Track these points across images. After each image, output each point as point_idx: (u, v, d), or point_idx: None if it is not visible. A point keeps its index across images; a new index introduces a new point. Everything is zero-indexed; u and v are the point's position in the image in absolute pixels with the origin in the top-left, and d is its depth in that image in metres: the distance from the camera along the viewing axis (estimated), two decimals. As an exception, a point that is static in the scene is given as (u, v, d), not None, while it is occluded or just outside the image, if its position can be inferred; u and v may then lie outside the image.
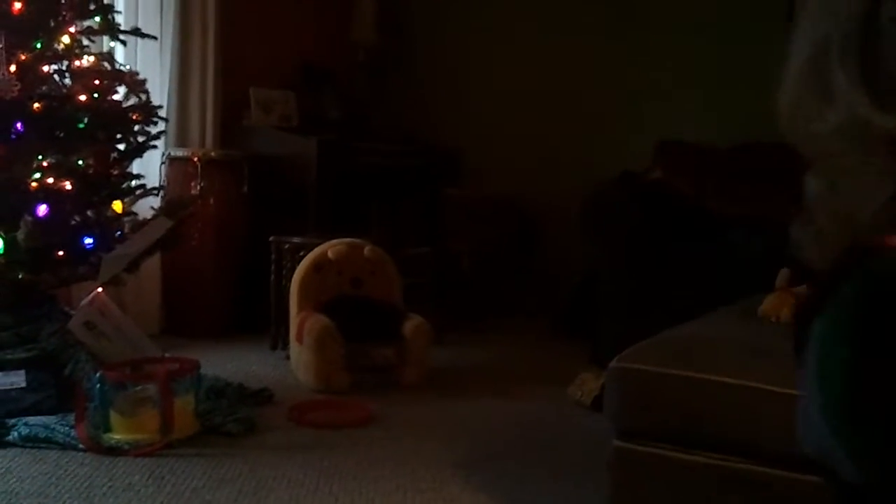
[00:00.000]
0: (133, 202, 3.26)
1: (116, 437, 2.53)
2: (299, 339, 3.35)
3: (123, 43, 3.35)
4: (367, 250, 3.53)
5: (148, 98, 3.24)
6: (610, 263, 3.64)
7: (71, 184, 2.89)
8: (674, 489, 1.85)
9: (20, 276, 2.84)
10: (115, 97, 3.13)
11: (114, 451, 2.49)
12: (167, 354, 3.04)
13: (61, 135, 2.94)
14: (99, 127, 3.01)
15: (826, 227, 0.59)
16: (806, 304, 0.56)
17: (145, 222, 3.17)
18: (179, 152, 4.12)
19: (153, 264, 3.85)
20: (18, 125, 2.83)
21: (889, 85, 0.55)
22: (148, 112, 3.20)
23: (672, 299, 3.16)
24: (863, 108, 0.55)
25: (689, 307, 2.37)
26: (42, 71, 2.94)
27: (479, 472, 2.43)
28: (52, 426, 2.59)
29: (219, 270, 4.09)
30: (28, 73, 2.86)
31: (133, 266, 3.15)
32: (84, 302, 2.97)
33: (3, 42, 2.77)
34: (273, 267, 3.86)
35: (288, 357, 3.56)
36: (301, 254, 3.65)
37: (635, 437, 1.88)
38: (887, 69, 0.55)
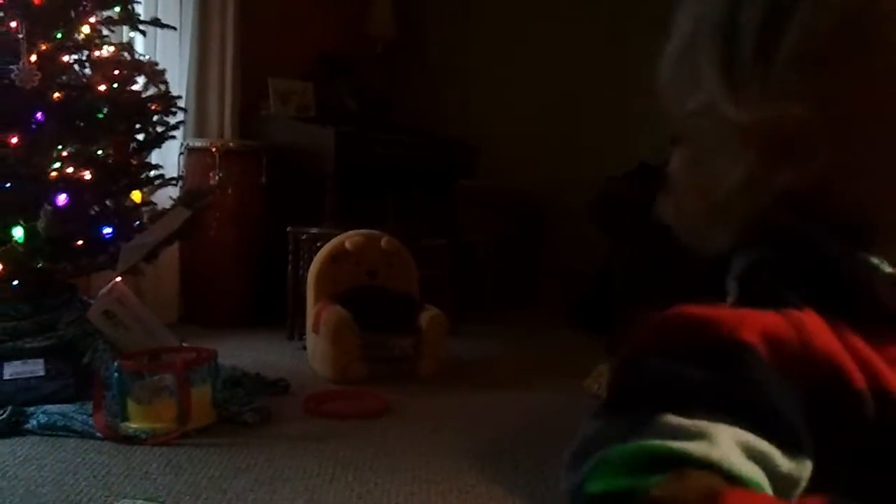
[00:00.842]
0: (152, 192, 3.28)
1: (134, 425, 2.55)
2: (316, 329, 3.36)
3: (143, 33, 3.36)
4: (384, 241, 3.54)
5: (167, 88, 3.26)
6: (626, 256, 3.63)
7: (90, 173, 2.91)
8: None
9: (40, 265, 2.87)
10: (135, 87, 3.14)
11: (131, 439, 2.50)
12: (185, 344, 3.06)
13: (81, 125, 2.95)
14: (118, 117, 3.03)
15: (684, 200, 0.61)
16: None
17: (164, 212, 3.19)
18: (198, 143, 4.14)
19: (171, 254, 3.87)
20: (39, 115, 2.85)
21: (743, 76, 0.56)
22: (167, 102, 3.21)
23: (689, 292, 3.14)
24: (719, 98, 0.56)
25: (706, 299, 2.36)
26: (62, 61, 2.96)
27: (494, 464, 2.43)
28: (71, 415, 2.61)
29: (237, 260, 4.11)
30: (48, 62, 2.88)
31: (151, 256, 3.17)
32: (103, 291, 2.99)
33: (24, 32, 2.78)
34: (290, 257, 3.88)
35: (304, 347, 3.57)
36: (318, 244, 3.66)
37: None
38: (743, 58, 0.56)
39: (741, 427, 0.47)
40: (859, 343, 0.52)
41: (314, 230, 3.83)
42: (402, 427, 2.75)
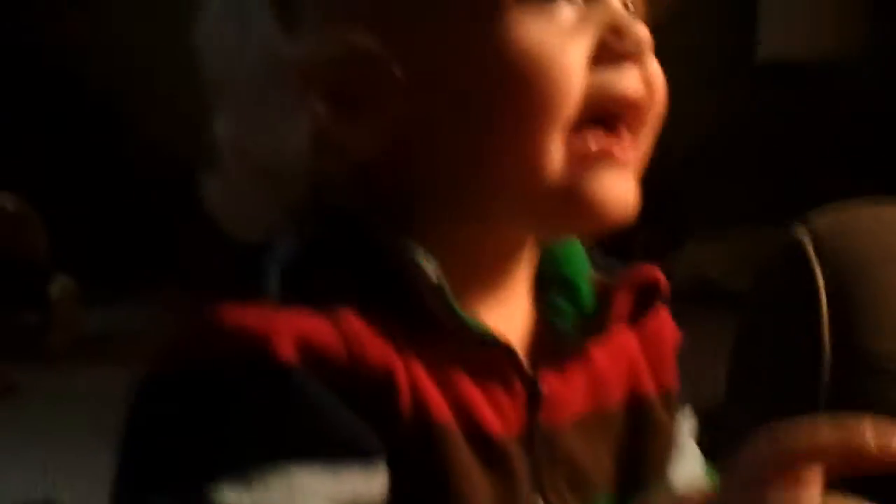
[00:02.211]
0: None
1: None
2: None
3: None
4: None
5: None
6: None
7: None
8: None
9: None
10: None
11: None
12: None
13: None
14: None
15: (236, 172, 0.49)
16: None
17: None
18: None
19: None
20: None
21: (300, 6, 0.46)
22: None
23: (221, 281, 3.21)
24: (271, 34, 0.46)
25: (241, 294, 2.41)
26: None
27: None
28: None
29: None
30: None
31: None
32: None
33: None
34: None
35: None
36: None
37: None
38: None
39: (311, 466, 0.40)
40: (412, 358, 0.45)
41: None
42: (26, 407, 2.53)
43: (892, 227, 0.91)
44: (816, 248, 0.88)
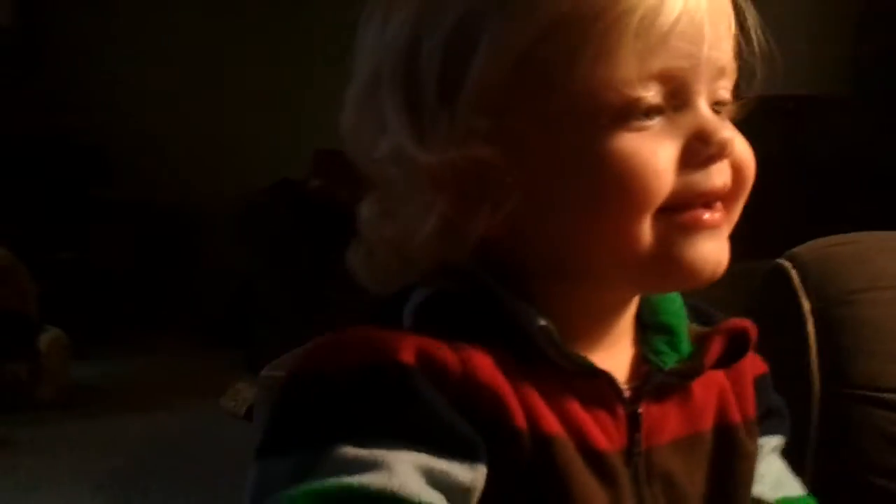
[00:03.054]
0: None
1: None
2: None
3: None
4: (-4, 254, 3.19)
5: None
6: (267, 272, 3.60)
7: None
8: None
9: None
10: None
11: None
12: None
13: None
14: None
15: (376, 251, 0.58)
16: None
17: None
18: None
19: None
20: None
21: (430, 118, 0.54)
22: None
23: (330, 307, 3.18)
24: (405, 141, 0.54)
25: (348, 315, 2.39)
26: None
27: (122, 491, 2.28)
28: None
29: None
30: None
31: None
32: None
33: None
34: None
35: None
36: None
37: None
38: (427, 102, 0.54)
39: (416, 449, 0.47)
40: (524, 384, 0.52)
41: None
42: (15, 459, 2.48)
43: (874, 257, 0.93)
44: (802, 278, 0.90)
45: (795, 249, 0.94)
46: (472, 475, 0.49)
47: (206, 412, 3.02)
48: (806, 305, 0.89)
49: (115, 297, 4.28)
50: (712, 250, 0.54)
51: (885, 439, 0.84)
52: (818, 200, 2.26)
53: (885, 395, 0.84)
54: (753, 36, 0.58)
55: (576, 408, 0.54)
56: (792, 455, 0.68)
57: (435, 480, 0.47)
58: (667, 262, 0.53)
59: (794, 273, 0.91)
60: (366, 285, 0.59)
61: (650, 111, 0.53)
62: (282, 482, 0.47)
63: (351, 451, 0.47)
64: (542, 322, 0.53)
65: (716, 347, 0.59)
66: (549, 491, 0.51)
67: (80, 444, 2.67)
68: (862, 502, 0.86)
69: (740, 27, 0.57)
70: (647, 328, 0.61)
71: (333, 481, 0.45)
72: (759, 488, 0.63)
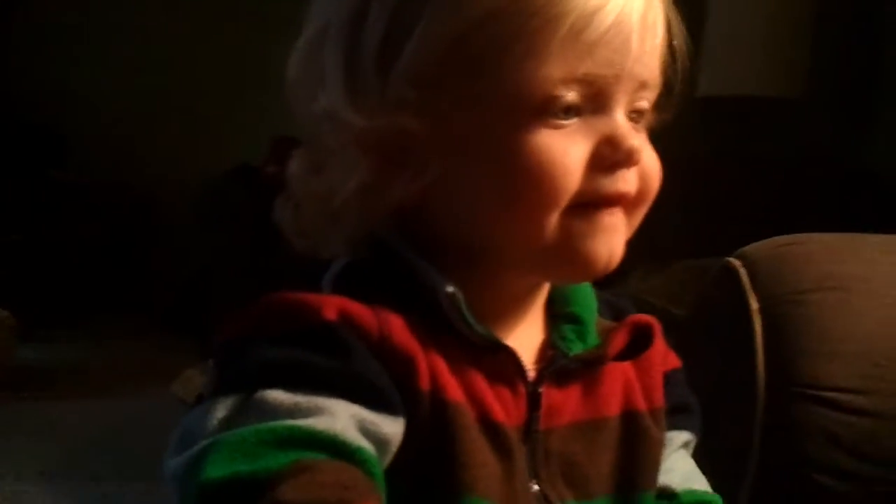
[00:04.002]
0: None
1: None
2: None
3: None
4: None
5: None
6: (222, 257, 3.57)
7: None
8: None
9: None
10: None
11: None
12: None
13: None
14: None
15: (303, 205, 0.61)
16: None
17: None
18: None
19: None
20: None
21: (365, 82, 0.57)
22: None
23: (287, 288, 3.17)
24: (339, 100, 0.57)
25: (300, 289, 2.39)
26: None
27: (67, 479, 2.23)
28: None
29: None
30: None
31: None
32: None
33: None
34: None
35: None
36: None
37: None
38: (365, 67, 0.57)
39: (350, 400, 0.49)
40: (432, 351, 0.55)
41: None
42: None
43: (821, 258, 0.95)
44: (750, 276, 0.92)
45: (745, 248, 0.96)
46: (395, 428, 0.51)
47: (157, 398, 2.99)
48: (753, 304, 0.90)
49: (65, 280, 4.21)
50: (607, 246, 0.58)
51: (828, 437, 0.86)
52: (769, 201, 2.29)
53: (829, 394, 0.86)
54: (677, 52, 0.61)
55: (479, 380, 0.56)
56: (736, 451, 0.69)
57: (366, 431, 0.49)
58: (566, 255, 0.57)
59: (742, 272, 0.92)
60: (291, 241, 0.62)
61: (568, 110, 0.55)
62: (218, 421, 0.48)
63: (291, 397, 0.48)
64: (450, 289, 0.55)
65: (619, 339, 0.62)
66: (445, 453, 0.54)
67: (27, 429, 2.62)
68: (804, 498, 0.88)
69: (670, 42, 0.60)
70: (558, 318, 0.64)
71: (279, 422, 0.47)
72: (668, 478, 0.66)
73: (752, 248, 0.97)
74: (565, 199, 0.55)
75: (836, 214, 1.30)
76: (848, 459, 0.85)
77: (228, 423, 0.47)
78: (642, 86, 0.58)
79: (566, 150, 0.55)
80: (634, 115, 0.58)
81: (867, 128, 2.95)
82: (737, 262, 0.95)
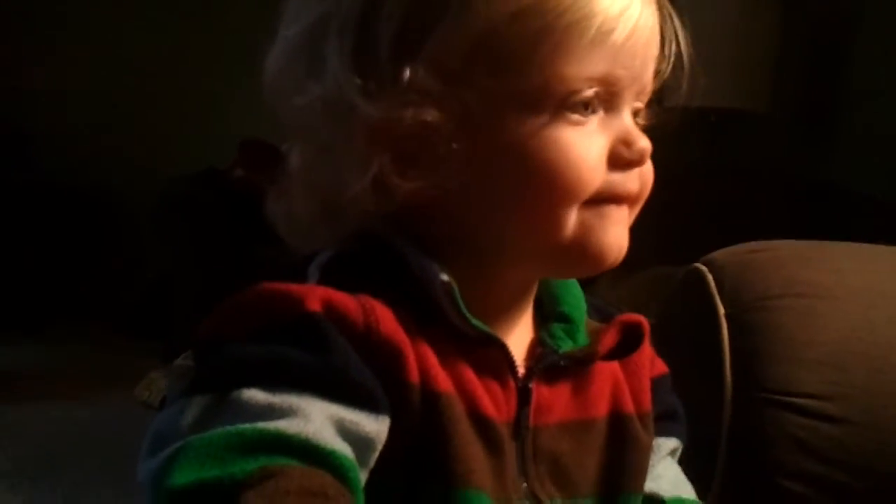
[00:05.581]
0: None
1: None
2: None
3: None
4: None
5: None
6: (187, 261, 3.53)
7: None
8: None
9: None
10: None
11: None
12: None
13: None
14: None
15: (300, 199, 0.60)
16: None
17: None
18: None
19: None
20: None
21: (379, 73, 0.55)
22: None
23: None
24: (350, 91, 0.55)
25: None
26: None
27: (29, 482, 2.19)
28: None
29: None
30: None
31: None
32: None
33: None
34: None
35: None
36: None
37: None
38: (379, 56, 0.55)
39: (328, 399, 0.48)
40: (422, 342, 0.54)
41: None
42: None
43: (789, 265, 0.96)
44: (718, 282, 0.92)
45: (712, 254, 0.96)
46: (378, 426, 0.50)
47: (120, 402, 2.95)
48: (721, 309, 0.90)
49: (27, 285, 4.15)
50: (618, 239, 0.58)
51: (795, 443, 0.87)
52: (736, 208, 2.32)
53: (796, 400, 0.86)
54: (685, 56, 0.62)
55: (469, 373, 0.56)
56: (703, 456, 0.69)
57: (345, 431, 0.48)
58: (580, 249, 0.57)
59: (710, 277, 0.93)
60: (284, 236, 0.60)
61: (587, 108, 0.56)
62: (190, 423, 0.46)
63: (265, 397, 0.47)
64: (445, 277, 0.55)
65: (609, 338, 0.62)
66: (435, 446, 0.53)
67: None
68: (771, 504, 0.88)
69: (678, 46, 0.62)
70: (548, 317, 0.64)
71: (249, 425, 0.45)
72: (656, 485, 0.66)
73: (719, 254, 0.97)
74: (587, 194, 0.56)
75: (798, 224, 1.31)
76: (815, 465, 0.86)
77: (201, 424, 0.46)
78: (643, 89, 0.59)
79: (589, 146, 0.56)
80: (633, 117, 0.60)
81: (828, 141, 2.99)
82: (704, 268, 0.96)
